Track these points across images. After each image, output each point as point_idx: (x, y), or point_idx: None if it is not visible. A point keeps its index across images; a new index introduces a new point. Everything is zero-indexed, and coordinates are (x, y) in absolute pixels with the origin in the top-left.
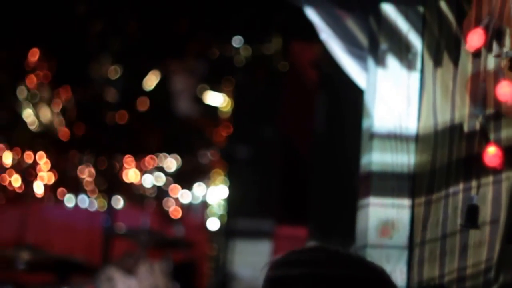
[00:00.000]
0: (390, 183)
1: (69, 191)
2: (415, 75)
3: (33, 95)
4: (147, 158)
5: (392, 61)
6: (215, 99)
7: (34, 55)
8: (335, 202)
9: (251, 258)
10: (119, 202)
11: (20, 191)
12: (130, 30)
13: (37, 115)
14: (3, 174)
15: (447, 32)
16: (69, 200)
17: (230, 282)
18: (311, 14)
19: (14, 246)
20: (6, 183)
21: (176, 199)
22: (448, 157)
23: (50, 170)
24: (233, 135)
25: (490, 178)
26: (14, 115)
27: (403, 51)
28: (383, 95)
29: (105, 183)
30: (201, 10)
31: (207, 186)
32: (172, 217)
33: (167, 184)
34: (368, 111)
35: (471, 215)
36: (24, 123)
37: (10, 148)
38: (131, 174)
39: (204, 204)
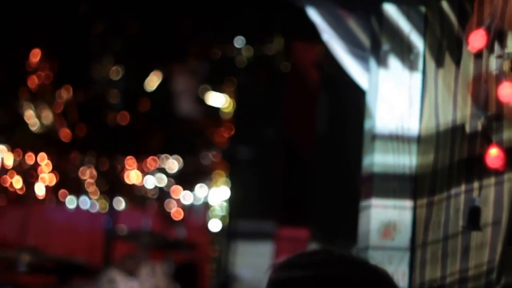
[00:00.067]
0: (392, 184)
1: (70, 193)
2: (417, 76)
3: (35, 96)
4: (149, 159)
5: (394, 62)
6: (217, 99)
7: (35, 55)
8: (337, 204)
9: (253, 260)
10: (120, 204)
11: (21, 192)
12: (131, 31)
13: (38, 116)
14: (4, 176)
15: (449, 33)
16: (71, 202)
17: (232, 283)
18: (313, 14)
19: (15, 249)
20: (8, 185)
21: (178, 201)
22: (450, 159)
23: (51, 171)
24: (235, 136)
25: (492, 180)
26: (15, 116)
27: (405, 51)
28: (385, 96)
29: (106, 184)
30: (202, 11)
31: (209, 187)
32: (174, 218)
33: (168, 185)
34: (370, 111)
35: (473, 216)
36: (26, 124)
37: (12, 149)
38: (132, 176)
39: (206, 206)
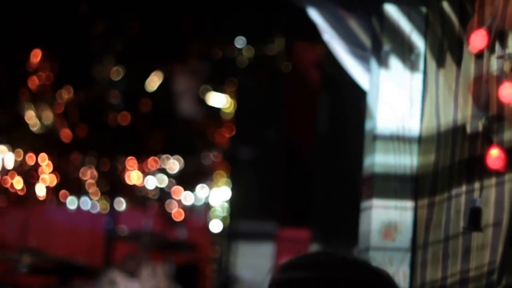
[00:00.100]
0: (393, 184)
1: (71, 193)
2: (418, 76)
3: (35, 96)
4: (150, 159)
5: (395, 62)
6: (218, 100)
7: (36, 56)
8: (337, 204)
9: (254, 260)
10: (121, 204)
11: (22, 193)
12: (132, 31)
13: (39, 117)
14: (5, 177)
15: (450, 33)
16: (71, 203)
17: (233, 284)
18: (314, 14)
19: (16, 250)
20: (8, 186)
21: (179, 201)
22: (451, 159)
23: (52, 172)
24: (236, 136)
25: (493, 180)
26: (16, 117)
27: (406, 52)
28: (386, 96)
29: (107, 185)
30: (203, 11)
31: (210, 188)
32: (175, 219)
33: (169, 186)
34: (370, 112)
35: (474, 217)
36: (26, 124)
37: (12, 150)
38: (133, 176)
39: (207, 206)
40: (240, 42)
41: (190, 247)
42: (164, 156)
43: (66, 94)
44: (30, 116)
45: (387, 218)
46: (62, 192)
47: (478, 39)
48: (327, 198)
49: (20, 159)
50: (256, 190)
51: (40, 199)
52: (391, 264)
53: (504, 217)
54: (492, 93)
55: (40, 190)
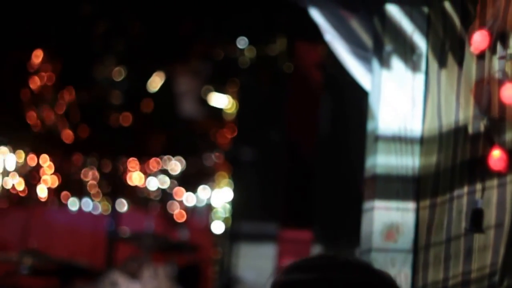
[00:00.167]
0: (395, 186)
1: (72, 195)
2: (420, 77)
3: (37, 97)
4: (152, 160)
5: (396, 63)
6: (220, 100)
7: (37, 56)
8: (339, 205)
9: (256, 262)
10: (123, 206)
11: (23, 194)
12: (134, 32)
13: (40, 117)
14: (6, 178)
15: (451, 34)
16: (73, 204)
17: (235, 285)
18: (316, 15)
19: (17, 251)
20: (10, 187)
21: (181, 202)
22: (453, 160)
23: (53, 173)
24: (237, 137)
25: (495, 182)
26: (17, 117)
27: (407, 52)
28: (388, 97)
29: (109, 186)
30: (205, 11)
31: (212, 189)
32: (177, 220)
33: (171, 187)
34: (372, 112)
35: (476, 219)
36: (28, 125)
37: (13, 151)
38: (135, 177)
39: (209, 207)
40: (242, 42)
41: (192, 248)
42: (166, 157)
43: (67, 95)
44: (32, 117)
45: (389, 219)
46: (64, 193)
47: (479, 40)
48: (328, 199)
49: (21, 160)
50: (258, 191)
51: (42, 200)
52: (393, 265)
53: (506, 219)
54: (493, 94)
55: (42, 192)
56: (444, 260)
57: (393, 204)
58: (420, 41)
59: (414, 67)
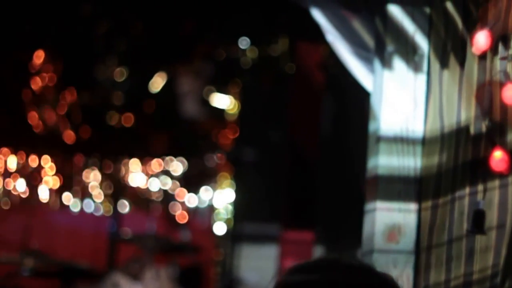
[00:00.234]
0: (397, 186)
1: (74, 196)
2: (422, 77)
3: (38, 98)
4: (153, 161)
5: (398, 63)
6: (222, 101)
7: (39, 57)
8: (341, 206)
9: (258, 263)
10: (125, 207)
11: (24, 196)
12: (136, 32)
13: (42, 118)
14: (8, 179)
15: (453, 34)
16: (75, 205)
17: (237, 287)
18: (317, 15)
19: (19, 252)
20: (11, 188)
21: (183, 203)
22: (455, 161)
23: (55, 174)
24: (239, 137)
25: (497, 183)
26: (18, 118)
27: (409, 52)
28: (390, 97)
29: (110, 187)
30: (207, 12)
31: (214, 190)
32: (179, 221)
33: (173, 188)
34: (374, 113)
35: (478, 220)
36: (29, 126)
37: (15, 152)
38: (137, 178)
39: (211, 208)
40: (244, 43)
41: (193, 249)
42: (167, 158)
43: (69, 95)
44: (33, 118)
45: (390, 220)
46: (65, 194)
47: (481, 40)
48: (330, 200)
49: (22, 161)
50: (260, 192)
51: (43, 201)
52: (395, 267)
53: (508, 220)
54: (495, 95)
55: (43, 193)
56: (446, 261)
57: (395, 205)
58: (422, 42)
59: (416, 68)
